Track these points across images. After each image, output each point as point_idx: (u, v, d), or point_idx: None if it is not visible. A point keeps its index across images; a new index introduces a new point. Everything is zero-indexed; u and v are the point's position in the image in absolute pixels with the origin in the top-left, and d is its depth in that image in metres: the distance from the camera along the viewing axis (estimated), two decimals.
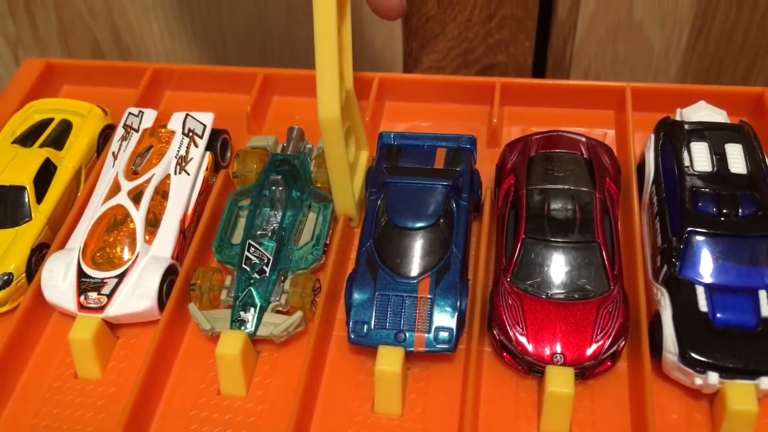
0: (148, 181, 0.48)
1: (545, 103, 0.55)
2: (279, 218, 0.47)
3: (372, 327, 0.41)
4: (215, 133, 0.52)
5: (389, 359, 0.40)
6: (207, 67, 0.59)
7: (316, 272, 0.46)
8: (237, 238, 0.48)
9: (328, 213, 0.48)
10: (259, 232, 0.46)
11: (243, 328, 0.43)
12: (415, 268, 0.42)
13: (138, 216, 0.46)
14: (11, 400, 0.43)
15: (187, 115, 0.51)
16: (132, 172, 0.48)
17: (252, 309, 0.43)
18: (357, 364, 0.43)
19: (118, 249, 0.45)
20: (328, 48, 0.43)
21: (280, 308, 0.44)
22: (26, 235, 0.47)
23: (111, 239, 0.46)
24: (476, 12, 0.65)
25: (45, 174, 0.49)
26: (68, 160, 0.51)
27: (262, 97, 0.56)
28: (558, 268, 0.41)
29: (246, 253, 0.45)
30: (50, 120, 0.53)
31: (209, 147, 0.51)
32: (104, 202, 0.47)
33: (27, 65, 0.60)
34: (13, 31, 0.78)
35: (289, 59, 0.73)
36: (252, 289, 0.44)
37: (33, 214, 0.47)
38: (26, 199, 0.48)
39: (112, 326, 0.45)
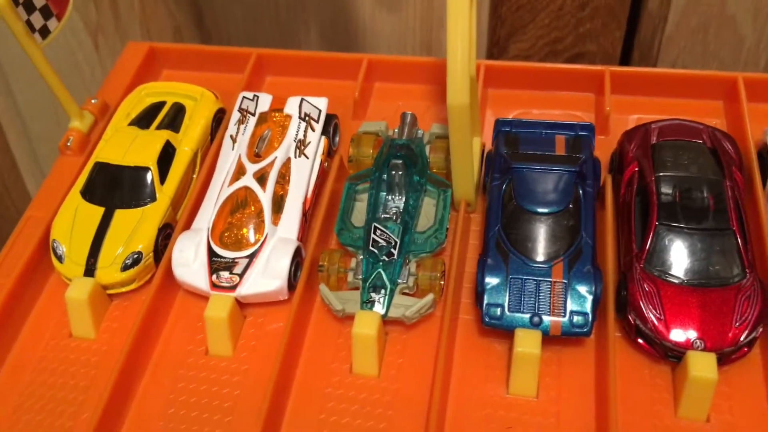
0: (272, 163, 0.48)
1: (651, 92, 0.55)
2: (399, 202, 0.48)
3: (506, 310, 0.42)
4: (328, 118, 0.52)
5: (528, 342, 0.40)
6: (310, 53, 0.60)
7: (437, 255, 0.47)
8: (356, 221, 0.49)
9: (448, 197, 0.48)
10: (382, 216, 0.47)
11: (374, 308, 0.44)
12: (546, 252, 0.43)
13: (265, 198, 0.47)
14: (145, 375, 0.44)
15: (302, 99, 0.52)
16: (255, 155, 0.49)
17: (382, 291, 0.44)
18: (486, 346, 0.44)
19: (246, 230, 0.46)
20: (461, 34, 0.43)
21: (407, 290, 0.45)
22: (152, 215, 0.48)
23: (237, 220, 0.47)
24: (569, 1, 0.65)
25: (166, 156, 0.50)
26: (185, 142, 0.51)
27: (367, 83, 0.57)
28: (693, 254, 0.42)
29: (372, 235, 0.45)
30: (162, 103, 0.54)
31: (323, 131, 0.52)
32: (230, 183, 0.48)
33: (130, 49, 0.61)
34: (95, 17, 0.78)
35: (371, 46, 0.73)
36: (381, 271, 0.44)
37: (157, 195, 0.48)
38: (151, 180, 0.49)
39: (240, 305, 0.46)
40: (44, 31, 0.48)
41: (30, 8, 0.47)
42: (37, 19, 0.47)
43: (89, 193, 0.49)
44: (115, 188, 0.48)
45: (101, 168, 0.49)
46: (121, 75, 0.58)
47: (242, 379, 0.43)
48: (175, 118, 0.53)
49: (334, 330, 0.45)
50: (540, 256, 0.43)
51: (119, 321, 0.46)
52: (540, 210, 0.44)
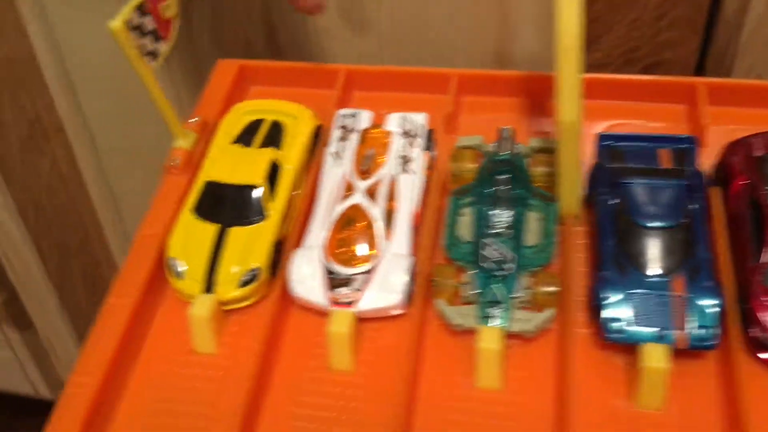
0: (380, 180, 0.49)
1: (741, 103, 0.56)
2: (504, 217, 0.48)
3: (628, 324, 0.43)
4: (428, 133, 0.53)
5: (656, 356, 0.41)
6: (398, 68, 0.61)
7: (547, 269, 0.48)
8: (462, 235, 0.49)
9: (553, 211, 0.49)
10: (492, 231, 0.48)
11: (493, 323, 0.44)
12: (665, 266, 0.44)
13: (377, 214, 0.48)
14: (271, 388, 0.45)
15: (402, 116, 0.53)
16: (362, 172, 0.50)
17: (500, 305, 0.45)
18: (605, 360, 0.44)
19: (359, 246, 0.47)
20: (573, 50, 0.44)
21: (522, 305, 0.46)
22: (266, 232, 0.49)
23: (350, 237, 0.48)
24: (646, 12, 0.66)
25: (272, 173, 0.51)
26: (288, 159, 0.52)
27: (458, 97, 0.58)
28: None
29: (484, 251, 0.46)
30: (260, 121, 0.55)
31: (425, 146, 0.53)
32: (341, 201, 0.49)
33: (221, 66, 0.62)
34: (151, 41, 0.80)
35: (445, 58, 0.74)
36: (497, 286, 0.45)
37: (269, 212, 0.50)
38: (261, 198, 0.50)
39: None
40: (154, 54, 0.49)
41: (143, 33, 0.48)
42: (148, 43, 0.49)
43: (202, 211, 0.50)
44: (227, 206, 0.50)
45: (212, 186, 0.50)
46: (215, 93, 0.60)
47: (365, 394, 0.44)
48: (275, 135, 0.54)
49: (451, 343, 0.46)
50: (658, 270, 0.44)
51: (238, 336, 0.47)
52: (655, 224, 0.44)
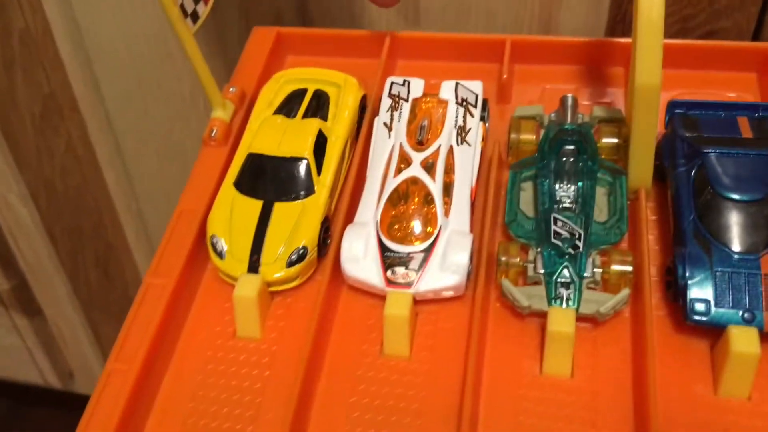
0: (437, 152, 0.46)
1: None
2: (569, 191, 0.45)
3: (713, 306, 0.39)
4: (483, 103, 0.50)
5: (745, 340, 0.38)
6: (445, 34, 0.57)
7: (617, 247, 0.44)
8: (525, 211, 0.46)
9: (624, 185, 0.46)
10: (560, 206, 0.44)
11: (564, 305, 0.41)
12: (752, 242, 0.40)
13: (435, 188, 0.44)
14: (322, 376, 0.42)
15: (457, 83, 0.49)
16: (417, 143, 0.47)
17: (570, 286, 0.41)
18: (685, 343, 0.41)
19: (416, 222, 0.44)
20: (656, 6, 0.40)
21: (592, 285, 0.43)
22: (313, 208, 0.45)
23: (405, 212, 0.44)
24: None
25: (319, 145, 0.47)
26: (335, 131, 0.49)
27: (511, 65, 0.54)
28: None
29: (553, 227, 0.43)
30: (304, 90, 0.52)
31: (480, 117, 0.49)
32: (396, 174, 0.46)
33: (256, 34, 0.58)
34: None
35: (484, 26, 0.70)
36: (566, 265, 0.42)
37: (316, 187, 0.46)
38: (308, 172, 0.46)
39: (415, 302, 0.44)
40: (194, 16, 0.46)
41: None
42: (188, 4, 0.45)
43: (244, 186, 0.46)
44: (272, 180, 0.46)
45: (255, 159, 0.47)
46: (251, 62, 0.56)
47: (423, 381, 0.41)
48: (320, 105, 0.51)
49: (516, 327, 0.43)
50: (745, 247, 0.40)
51: (284, 320, 0.44)
52: (741, 197, 0.41)
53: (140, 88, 0.87)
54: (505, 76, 0.52)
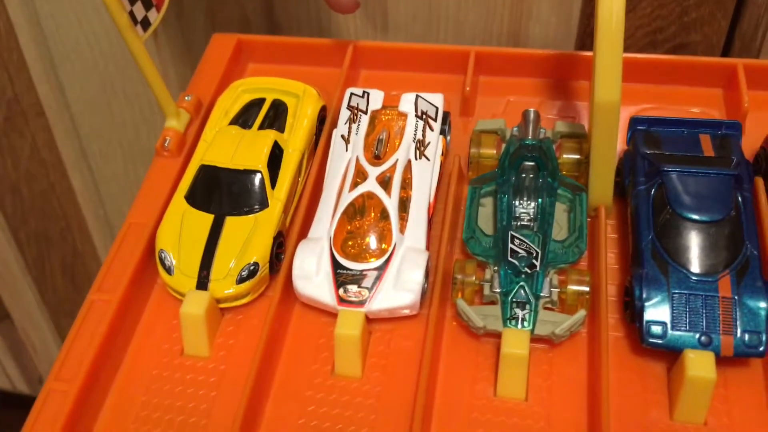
0: (393, 166, 0.45)
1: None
2: (529, 208, 0.44)
3: (669, 329, 0.38)
4: (443, 116, 0.49)
5: (701, 365, 0.37)
6: (410, 44, 0.56)
7: (575, 266, 0.43)
8: (483, 228, 0.45)
9: (584, 202, 0.45)
10: (518, 223, 0.43)
11: (519, 326, 0.40)
12: (710, 264, 0.39)
13: (391, 204, 0.43)
14: (270, 397, 0.40)
15: (417, 96, 0.48)
16: (374, 157, 0.46)
17: (526, 306, 0.41)
18: (643, 367, 0.40)
19: (371, 239, 0.43)
20: (615, 22, 0.39)
21: (549, 305, 0.42)
22: (266, 222, 0.44)
23: (359, 228, 0.43)
24: None
25: (274, 158, 0.46)
26: (292, 143, 0.48)
27: (474, 77, 0.53)
28: None
29: (510, 245, 0.42)
30: (261, 100, 0.50)
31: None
32: (351, 189, 0.44)
33: (216, 41, 0.57)
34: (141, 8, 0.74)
35: (453, 36, 0.69)
36: (523, 284, 0.41)
37: (270, 201, 0.45)
38: (262, 185, 0.45)
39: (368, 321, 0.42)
40: (145, 23, 0.44)
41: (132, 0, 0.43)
42: (138, 11, 0.44)
43: (196, 199, 0.45)
44: (224, 193, 0.45)
45: (208, 171, 0.45)
46: (210, 69, 0.54)
47: (375, 402, 0.40)
48: (277, 116, 0.50)
49: (470, 347, 0.42)
50: (703, 269, 0.39)
51: (234, 337, 0.43)
52: (700, 218, 0.40)
53: (105, 91, 0.85)
54: (468, 89, 0.51)
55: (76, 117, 0.89)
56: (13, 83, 0.87)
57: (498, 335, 0.40)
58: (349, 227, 0.44)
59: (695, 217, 0.40)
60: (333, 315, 0.42)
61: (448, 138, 0.50)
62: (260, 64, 0.58)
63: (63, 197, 0.98)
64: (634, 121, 0.46)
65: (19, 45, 0.82)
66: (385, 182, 0.44)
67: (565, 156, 0.46)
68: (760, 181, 0.44)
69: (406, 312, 0.42)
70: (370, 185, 0.44)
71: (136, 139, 0.89)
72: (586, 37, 0.69)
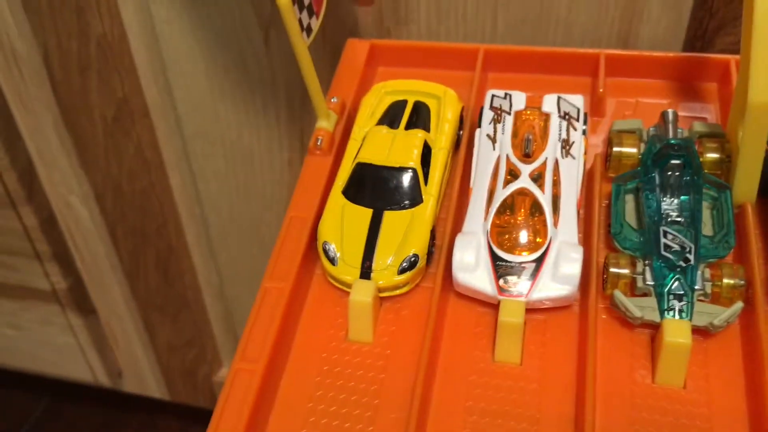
0: (544, 164, 0.47)
1: None
2: (674, 204, 0.46)
3: None
4: (584, 117, 0.51)
5: None
6: (534, 48, 0.58)
7: (726, 261, 0.45)
8: (630, 223, 0.47)
9: (729, 199, 0.46)
10: (669, 219, 0.45)
11: (677, 316, 0.42)
12: None
13: (545, 199, 0.46)
14: (436, 381, 0.43)
15: (559, 97, 0.51)
16: (524, 155, 0.48)
17: (684, 298, 0.42)
18: None
19: (524, 233, 0.45)
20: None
21: (702, 297, 0.43)
22: (422, 217, 0.47)
23: (514, 222, 0.46)
24: None
25: (425, 156, 0.49)
26: (439, 142, 0.50)
27: (606, 79, 0.55)
28: None
29: (664, 240, 0.44)
30: (404, 102, 0.53)
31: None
32: (505, 185, 0.47)
33: (350, 46, 0.60)
34: (269, 10, 0.78)
35: (563, 39, 0.71)
36: (678, 277, 0.43)
37: (423, 196, 0.47)
38: (416, 181, 0.48)
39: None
40: (308, 30, 0.47)
41: (301, 7, 0.46)
42: (305, 18, 0.47)
43: (354, 194, 0.48)
44: (381, 189, 0.48)
45: (364, 168, 0.48)
46: (348, 73, 0.57)
47: (538, 387, 0.42)
48: (421, 117, 0.52)
49: (625, 337, 0.44)
50: None
51: (395, 325, 0.45)
52: None
53: (212, 94, 0.89)
54: (601, 90, 0.54)
55: (181, 118, 0.93)
56: (123, 85, 0.91)
57: (653, 326, 0.43)
58: (500, 222, 0.46)
59: None
60: (489, 305, 0.45)
61: (587, 137, 0.52)
62: (389, 67, 0.61)
63: (162, 195, 1.02)
64: None
65: (131, 49, 0.87)
66: (536, 179, 0.47)
67: (706, 155, 0.48)
68: None
69: (562, 303, 0.44)
70: (524, 182, 0.46)
71: (238, 139, 0.93)
72: (696, 40, 0.70)
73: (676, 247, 0.43)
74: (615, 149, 0.49)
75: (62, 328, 1.29)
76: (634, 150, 0.49)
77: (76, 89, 0.93)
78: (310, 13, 0.48)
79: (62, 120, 0.97)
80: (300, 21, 0.46)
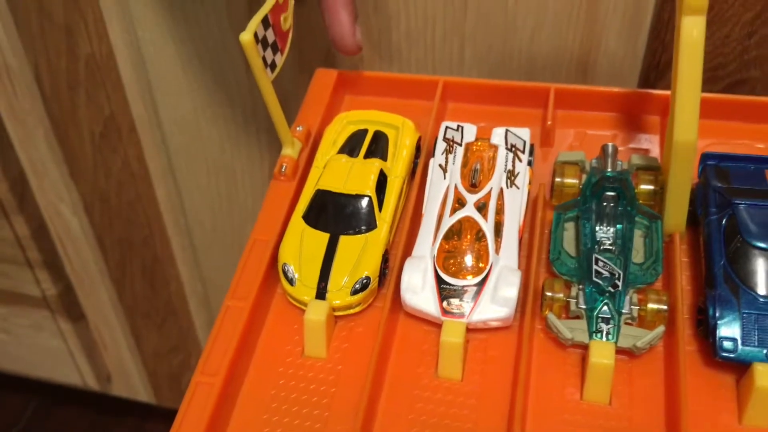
0: (489, 194, 0.51)
1: None
2: (609, 233, 0.49)
3: (740, 344, 0.44)
4: (530, 148, 0.54)
5: (767, 376, 0.42)
6: (494, 81, 0.62)
7: (652, 287, 0.49)
8: (567, 250, 0.51)
9: (659, 229, 0.50)
10: (601, 247, 0.49)
11: (604, 338, 0.45)
12: None
13: (487, 227, 0.49)
14: (382, 394, 0.46)
15: (507, 130, 0.54)
16: (471, 185, 0.51)
17: (611, 321, 0.46)
18: (714, 378, 0.45)
19: (469, 257, 0.49)
20: (695, 66, 0.45)
21: (629, 320, 0.47)
22: (376, 241, 0.50)
23: (459, 248, 0.49)
24: (736, 29, 0.66)
25: (380, 184, 0.52)
26: (394, 170, 0.54)
27: (554, 111, 0.59)
28: None
29: (595, 266, 0.47)
30: (365, 131, 0.57)
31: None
32: (451, 213, 0.50)
33: (319, 76, 0.63)
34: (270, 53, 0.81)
35: (526, 70, 0.75)
36: (606, 301, 0.46)
37: (378, 222, 0.51)
38: (371, 208, 0.51)
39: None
40: (273, 66, 0.51)
41: (265, 45, 0.49)
42: (269, 55, 0.50)
43: (313, 219, 0.52)
44: (338, 215, 0.51)
45: (323, 195, 0.52)
46: (315, 101, 0.61)
47: (475, 402, 0.46)
48: (380, 146, 0.56)
49: (559, 356, 0.47)
50: None
51: (347, 342, 0.49)
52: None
53: (195, 111, 0.93)
54: (549, 123, 0.57)
55: (166, 134, 0.97)
56: (111, 102, 0.95)
57: (584, 346, 0.46)
58: (448, 247, 0.49)
59: (763, 245, 0.45)
60: (434, 324, 0.48)
61: (533, 168, 0.56)
62: (356, 95, 0.65)
63: (148, 207, 1.06)
64: (705, 157, 0.51)
65: (118, 68, 0.90)
66: (481, 208, 0.50)
67: (641, 186, 0.52)
68: None
69: (500, 324, 0.48)
70: (469, 210, 0.50)
71: (220, 155, 0.97)
72: (650, 71, 0.74)
73: (606, 274, 0.47)
74: (557, 179, 0.53)
75: (52, 333, 1.32)
76: (575, 180, 0.53)
77: (66, 105, 0.96)
78: (275, 50, 0.51)
79: (53, 133, 1.01)
80: (264, 58, 0.50)
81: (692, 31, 0.45)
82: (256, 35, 0.47)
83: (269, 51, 0.50)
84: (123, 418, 1.52)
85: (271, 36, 0.50)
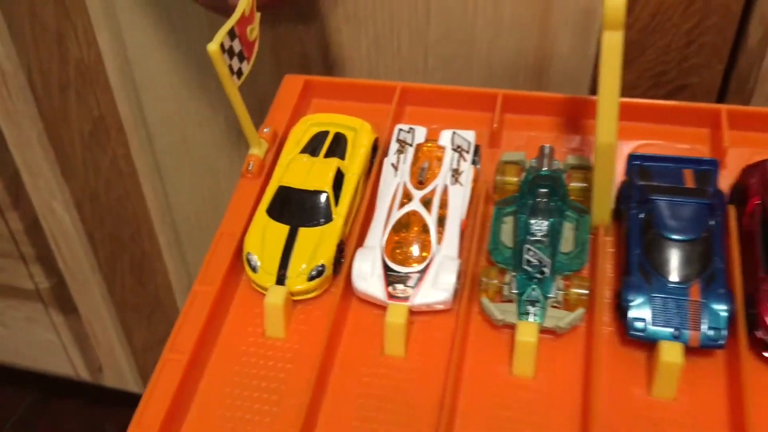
0: (434, 190, 0.56)
1: (760, 128, 0.61)
2: (543, 226, 0.54)
3: (650, 324, 0.49)
4: (475, 149, 0.60)
5: (671, 352, 0.47)
6: (449, 87, 0.67)
7: (579, 274, 0.54)
8: (505, 241, 0.56)
9: (587, 222, 0.55)
10: (533, 238, 0.54)
11: (531, 319, 0.51)
12: (684, 274, 0.50)
13: (431, 220, 0.54)
14: (333, 370, 0.52)
15: (453, 132, 0.59)
16: (418, 182, 0.57)
17: (537, 304, 0.51)
18: (628, 355, 0.50)
19: (415, 248, 0.54)
20: (613, 78, 0.50)
21: (555, 304, 0.52)
22: (331, 233, 0.56)
23: (406, 239, 0.54)
24: (676, 39, 0.72)
25: (337, 181, 0.57)
26: (351, 169, 0.59)
27: (502, 115, 0.64)
28: None
29: (525, 256, 0.53)
30: (326, 132, 0.62)
31: (472, 161, 0.59)
32: (399, 207, 0.55)
33: (287, 81, 0.69)
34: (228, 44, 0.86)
35: (485, 76, 0.80)
36: (534, 287, 0.51)
37: (333, 216, 0.56)
38: (328, 203, 0.56)
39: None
40: (239, 73, 0.56)
41: (231, 54, 0.54)
42: (235, 63, 0.55)
43: (275, 213, 0.57)
44: (298, 209, 0.56)
45: (285, 191, 0.57)
46: (283, 105, 0.66)
47: (417, 377, 0.51)
48: (339, 146, 0.61)
49: (492, 336, 0.52)
50: (678, 278, 0.50)
51: (305, 324, 0.54)
52: (678, 237, 0.50)
53: (180, 113, 0.98)
54: (496, 125, 0.62)
55: (152, 134, 1.02)
56: (100, 104, 1.00)
57: (514, 327, 0.51)
58: (396, 238, 0.55)
59: (674, 236, 0.51)
60: (383, 308, 0.53)
61: (478, 167, 0.61)
62: (322, 99, 0.70)
63: (136, 204, 1.11)
64: (631, 157, 0.57)
65: (106, 72, 0.96)
66: (426, 203, 0.55)
67: (573, 184, 0.57)
68: (732, 209, 0.54)
69: (442, 307, 0.53)
70: (415, 205, 0.55)
71: (204, 155, 1.02)
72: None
73: (536, 262, 0.52)
74: (499, 177, 0.58)
75: (45, 326, 1.37)
76: (515, 179, 0.58)
77: (57, 106, 1.01)
78: (241, 59, 0.56)
79: (45, 133, 1.06)
80: (230, 66, 0.55)
81: (611, 44, 0.50)
82: (222, 45, 0.53)
83: (236, 59, 0.55)
84: (117, 409, 1.57)
85: (237, 46, 0.55)
